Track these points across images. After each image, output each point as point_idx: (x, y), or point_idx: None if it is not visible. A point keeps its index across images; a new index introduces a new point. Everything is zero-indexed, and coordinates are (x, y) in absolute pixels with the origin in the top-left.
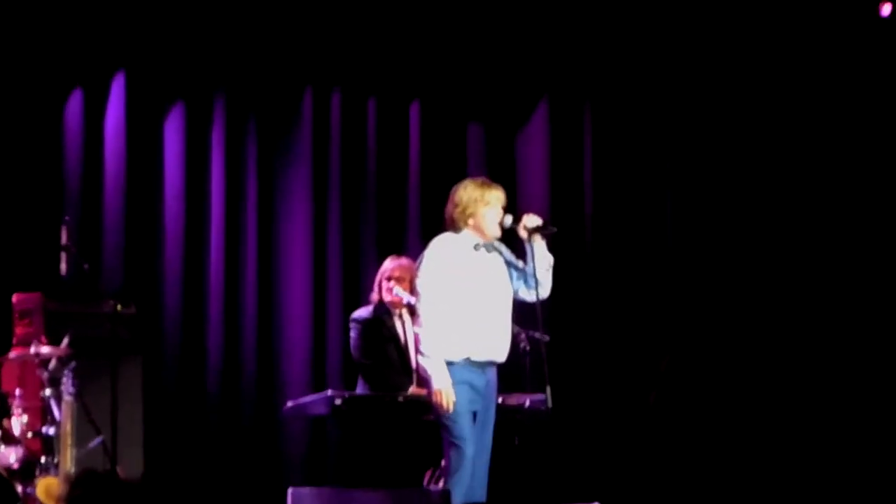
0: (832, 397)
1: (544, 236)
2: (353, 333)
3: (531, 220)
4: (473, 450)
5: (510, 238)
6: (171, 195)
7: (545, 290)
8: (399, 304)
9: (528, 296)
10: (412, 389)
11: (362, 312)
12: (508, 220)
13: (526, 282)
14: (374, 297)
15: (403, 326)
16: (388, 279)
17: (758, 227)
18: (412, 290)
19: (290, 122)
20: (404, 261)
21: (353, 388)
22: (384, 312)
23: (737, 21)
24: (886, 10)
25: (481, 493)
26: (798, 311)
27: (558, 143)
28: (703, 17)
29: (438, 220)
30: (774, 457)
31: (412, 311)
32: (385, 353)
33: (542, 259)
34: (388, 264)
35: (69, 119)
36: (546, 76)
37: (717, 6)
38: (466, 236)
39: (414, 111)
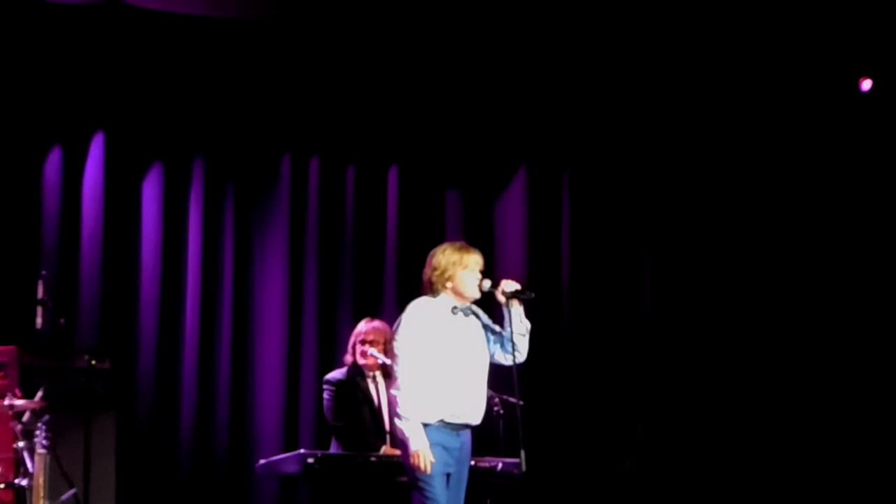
0: (814, 462)
1: (522, 301)
2: (326, 395)
3: (509, 285)
4: None
5: (487, 302)
6: (148, 253)
7: (521, 355)
8: (374, 367)
9: (505, 360)
10: (385, 450)
11: (336, 374)
12: (487, 284)
13: (502, 346)
14: (348, 359)
15: (377, 388)
16: (363, 342)
17: (735, 295)
18: (386, 352)
19: (268, 185)
20: (378, 323)
21: (326, 447)
22: (358, 374)
23: (717, 87)
24: (867, 85)
25: None
26: (777, 377)
27: (536, 210)
28: (679, 82)
29: (415, 283)
30: None
31: (386, 373)
32: (359, 415)
33: (520, 324)
34: (363, 327)
35: (48, 176)
36: (525, 143)
37: (696, 73)
38: (444, 300)
39: (392, 176)
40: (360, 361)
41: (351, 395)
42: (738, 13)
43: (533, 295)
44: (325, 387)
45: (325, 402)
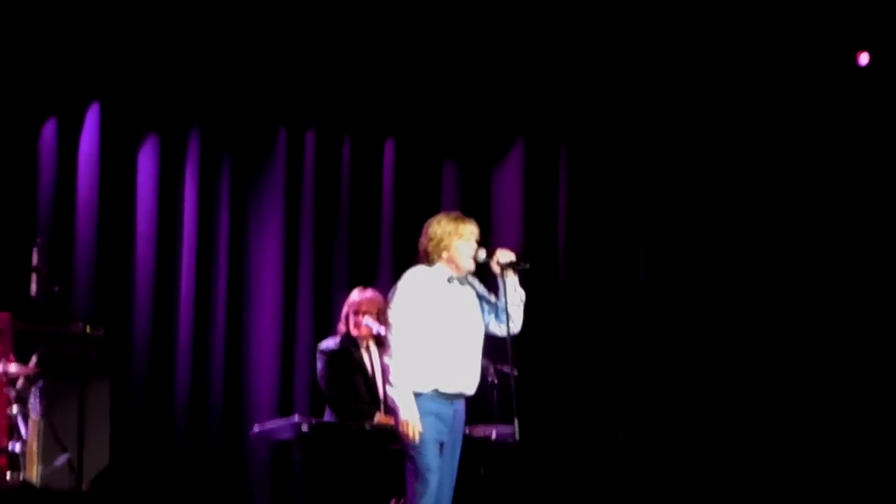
0: (805, 426)
1: (517, 272)
2: (319, 364)
3: (504, 255)
4: (437, 480)
5: (482, 272)
6: (144, 221)
7: (516, 326)
8: (367, 336)
9: (499, 330)
10: (378, 418)
11: (329, 343)
12: (482, 254)
13: (497, 316)
14: (342, 328)
15: (371, 357)
16: (356, 312)
17: (730, 265)
18: (380, 321)
19: (264, 157)
20: (371, 293)
21: (321, 415)
22: (351, 344)
23: (713, 61)
24: (864, 59)
25: None
26: (770, 344)
27: (533, 181)
28: (677, 56)
29: (411, 254)
30: (743, 488)
31: (379, 342)
32: (352, 384)
33: (514, 294)
34: (356, 296)
35: (43, 146)
36: (522, 115)
37: (693, 46)
38: (439, 269)
39: (389, 148)
40: (354, 332)
41: (344, 364)
42: None
43: (528, 265)
44: (318, 356)
45: (318, 370)
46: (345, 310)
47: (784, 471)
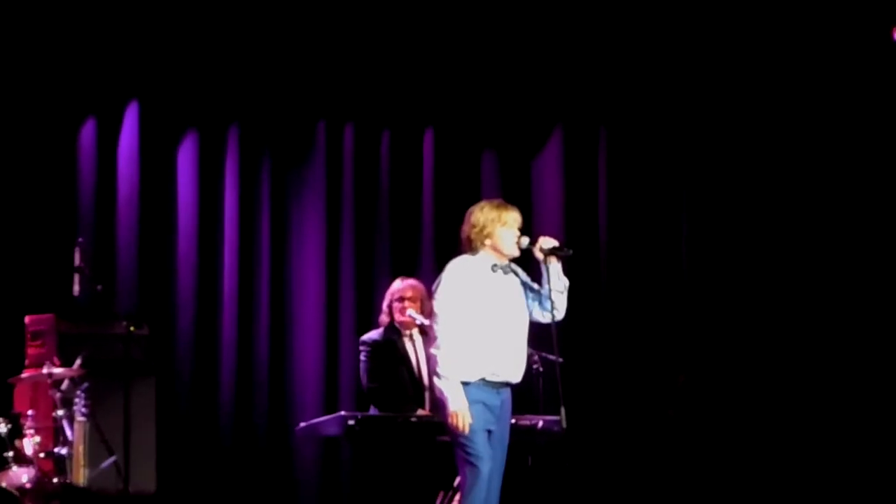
0: (845, 408)
1: (560, 258)
2: (362, 357)
3: (547, 241)
4: (489, 468)
5: (525, 260)
6: (185, 218)
7: (560, 313)
8: (411, 325)
9: (543, 317)
10: (420, 413)
11: (372, 335)
12: (525, 241)
13: (541, 303)
14: (384, 318)
15: (415, 347)
16: (400, 300)
17: (773, 248)
18: (423, 311)
19: (303, 152)
20: (413, 281)
21: (366, 409)
22: (395, 334)
23: (753, 45)
24: None
25: None
26: (811, 327)
27: (573, 168)
28: (717, 41)
29: (452, 246)
30: (791, 468)
31: (423, 331)
32: (396, 375)
33: (558, 281)
34: (399, 285)
35: (83, 145)
36: (560, 102)
37: (733, 31)
38: (483, 258)
39: (428, 139)
40: (398, 319)
41: (388, 356)
42: None
43: (571, 252)
44: (360, 348)
45: (361, 363)
46: (387, 299)
47: (829, 452)
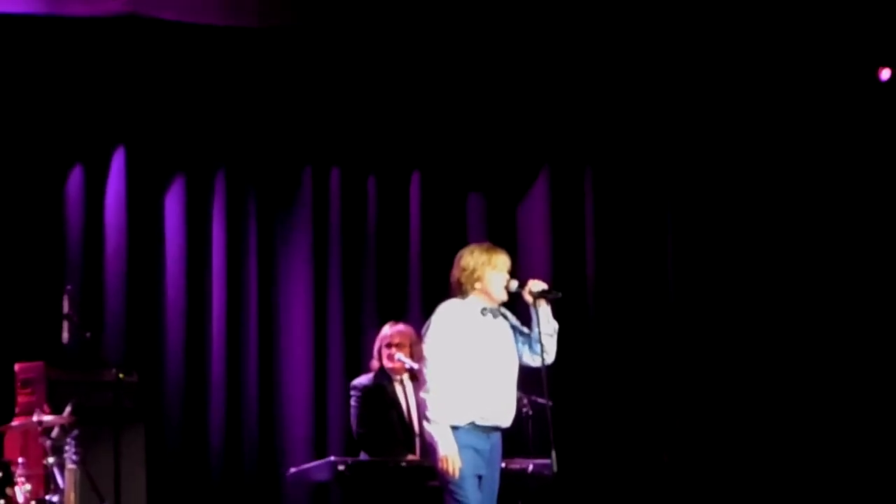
0: (841, 440)
1: (549, 301)
2: (352, 402)
3: (536, 285)
4: None
5: (513, 304)
6: (172, 264)
7: (550, 356)
8: (401, 370)
9: (533, 361)
10: (410, 458)
11: (362, 380)
12: (514, 284)
13: (531, 347)
14: (374, 364)
15: (405, 392)
16: (388, 346)
17: (759, 290)
18: (412, 356)
19: (290, 196)
20: (402, 326)
21: (356, 454)
22: (385, 379)
23: (737, 80)
24: (885, 74)
25: None
26: (803, 368)
27: (559, 210)
28: (700, 80)
29: (440, 289)
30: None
31: (413, 376)
32: (387, 420)
33: (547, 324)
34: (388, 330)
35: (70, 193)
36: (546, 144)
37: (716, 71)
38: (473, 301)
39: (414, 182)
40: (388, 365)
41: (378, 400)
42: (756, 4)
43: (560, 294)
44: (351, 393)
45: (351, 408)
46: (377, 344)
47: (828, 488)
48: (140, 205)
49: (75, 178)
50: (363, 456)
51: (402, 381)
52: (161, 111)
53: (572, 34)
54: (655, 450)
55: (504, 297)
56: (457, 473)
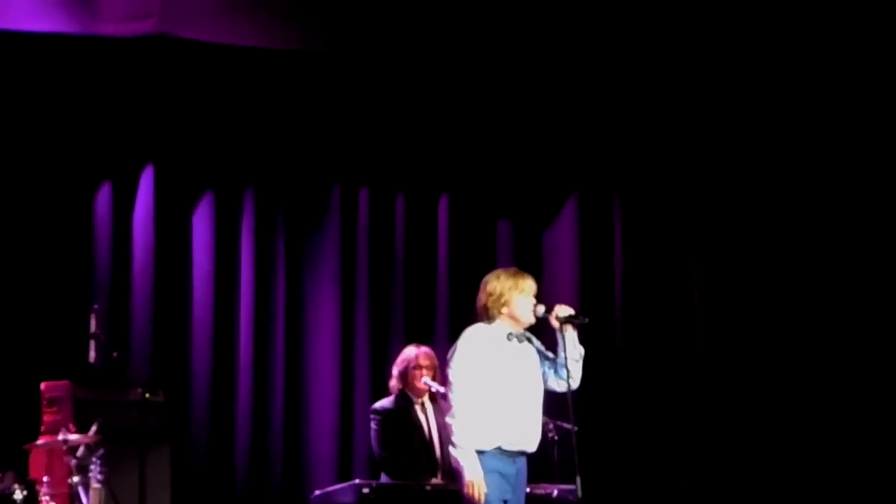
0: (862, 474)
1: (576, 326)
2: (373, 425)
3: (563, 310)
4: None
5: (539, 329)
6: (200, 284)
7: (575, 382)
8: (423, 392)
9: (559, 386)
10: (434, 481)
11: (384, 403)
12: (541, 309)
13: (556, 372)
14: (394, 385)
15: (426, 415)
16: (417, 367)
17: (787, 313)
18: (436, 379)
19: (318, 215)
20: (427, 349)
21: (379, 478)
22: (406, 402)
23: (765, 108)
24: None
25: None
26: (826, 394)
27: (587, 236)
28: (731, 106)
29: (467, 312)
30: None
31: (433, 398)
32: (409, 444)
33: (574, 350)
34: (413, 352)
35: (99, 211)
36: (575, 171)
37: (746, 96)
38: (499, 326)
39: (443, 205)
40: (415, 386)
41: (400, 424)
42: (791, 38)
43: (587, 320)
44: (371, 416)
45: (372, 432)
46: (399, 366)
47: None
48: (168, 223)
49: (104, 196)
50: (384, 479)
51: (422, 404)
52: (190, 130)
53: (605, 62)
54: (675, 477)
55: (531, 321)
56: (482, 499)
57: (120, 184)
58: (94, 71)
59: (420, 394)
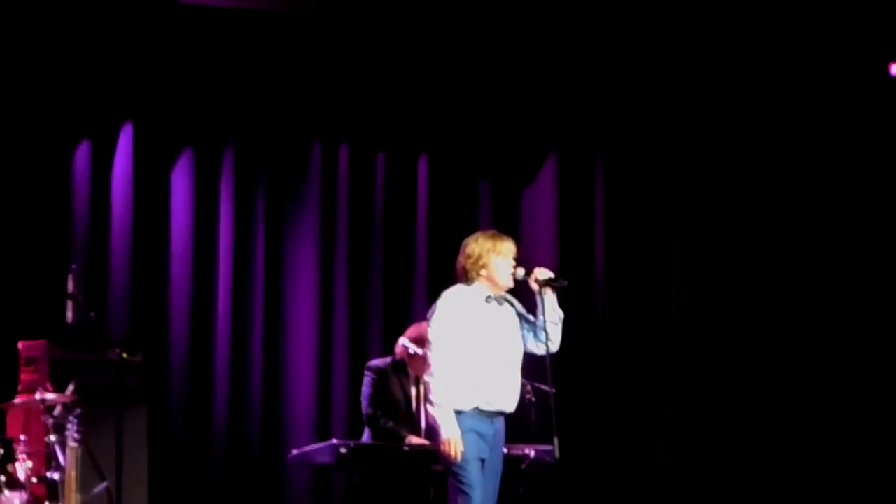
0: (832, 445)
1: (555, 289)
2: (366, 380)
3: (543, 272)
4: (481, 497)
5: (519, 292)
6: (178, 243)
7: (554, 344)
8: (402, 355)
9: (537, 348)
10: (410, 440)
11: (378, 362)
12: (521, 272)
13: (536, 334)
14: (398, 349)
15: (418, 391)
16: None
17: (766, 276)
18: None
19: (298, 173)
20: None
21: (359, 437)
22: (401, 370)
23: (749, 75)
24: None
25: None
26: (799, 363)
27: (567, 197)
28: (712, 69)
29: (446, 272)
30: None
31: (407, 363)
32: (393, 404)
33: (553, 312)
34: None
35: (77, 169)
36: (555, 130)
37: (728, 61)
38: (478, 288)
39: (422, 166)
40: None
41: (391, 384)
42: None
43: (566, 283)
44: (366, 372)
45: (364, 387)
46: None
47: (818, 481)
48: (147, 181)
49: (82, 154)
50: (366, 436)
51: (417, 381)
52: (169, 87)
53: (585, 20)
54: (650, 440)
55: (510, 284)
56: (459, 457)
57: (99, 141)
58: (73, 28)
59: (415, 369)
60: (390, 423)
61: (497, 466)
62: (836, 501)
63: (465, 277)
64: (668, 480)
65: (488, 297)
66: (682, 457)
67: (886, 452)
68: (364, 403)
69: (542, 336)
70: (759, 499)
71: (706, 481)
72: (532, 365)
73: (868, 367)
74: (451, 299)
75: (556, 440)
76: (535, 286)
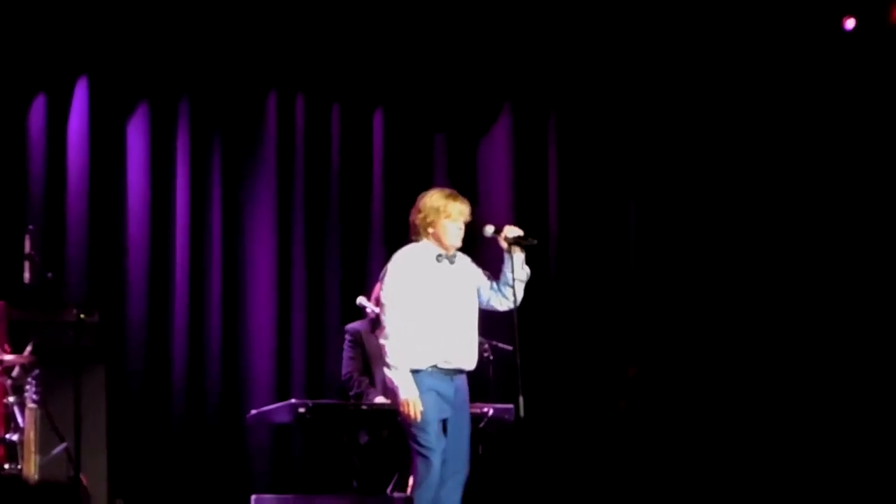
0: (800, 401)
1: (524, 248)
2: (345, 344)
3: (512, 231)
4: (441, 460)
5: (488, 248)
6: (135, 201)
7: (516, 301)
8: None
9: (500, 305)
10: (378, 400)
11: (355, 325)
12: (489, 229)
13: (500, 290)
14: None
15: None
16: None
17: (721, 235)
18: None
19: (254, 125)
20: None
21: (318, 397)
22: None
23: (703, 29)
24: (850, 24)
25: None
26: (761, 313)
27: (522, 151)
28: (668, 24)
29: (402, 226)
30: (743, 458)
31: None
32: (367, 367)
33: (520, 270)
34: None
35: (32, 126)
36: (510, 83)
37: (683, 15)
38: (427, 247)
39: (378, 119)
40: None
41: (364, 347)
42: None
43: (535, 241)
44: (345, 336)
45: (344, 350)
46: None
47: (776, 442)
48: (103, 137)
49: (37, 110)
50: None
51: None
52: (123, 39)
53: None
54: (613, 398)
55: (457, 244)
56: (419, 417)
57: (54, 96)
58: None
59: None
60: (357, 390)
61: (464, 424)
62: (800, 452)
63: (415, 233)
64: (628, 438)
65: (439, 255)
66: (645, 413)
67: (850, 402)
68: (343, 367)
69: (507, 292)
70: (722, 453)
71: (671, 437)
72: (489, 323)
73: (827, 321)
74: (402, 260)
75: (521, 399)
76: (504, 244)
